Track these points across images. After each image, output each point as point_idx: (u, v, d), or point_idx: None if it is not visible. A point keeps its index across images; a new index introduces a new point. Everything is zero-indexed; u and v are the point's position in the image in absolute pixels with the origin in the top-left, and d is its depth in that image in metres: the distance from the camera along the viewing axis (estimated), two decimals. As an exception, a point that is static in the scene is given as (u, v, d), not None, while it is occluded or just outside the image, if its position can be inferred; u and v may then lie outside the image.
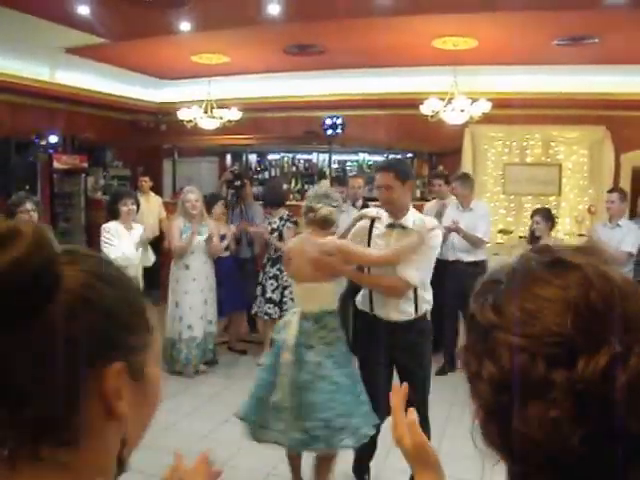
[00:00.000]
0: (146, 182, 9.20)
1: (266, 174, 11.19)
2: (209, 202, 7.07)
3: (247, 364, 6.95)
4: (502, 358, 0.79)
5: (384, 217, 3.90)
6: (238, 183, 7.84)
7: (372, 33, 7.80)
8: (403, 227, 3.83)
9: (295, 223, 6.91)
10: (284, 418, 3.71)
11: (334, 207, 3.85)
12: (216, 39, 8.30)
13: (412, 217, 3.87)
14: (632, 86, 8.93)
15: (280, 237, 6.85)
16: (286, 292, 6.80)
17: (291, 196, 10.58)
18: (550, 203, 9.75)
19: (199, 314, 6.53)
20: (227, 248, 7.05)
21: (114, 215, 5.80)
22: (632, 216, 7.74)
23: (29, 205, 5.08)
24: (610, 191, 6.59)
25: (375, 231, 3.92)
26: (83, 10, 6.88)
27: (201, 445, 4.83)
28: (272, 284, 6.88)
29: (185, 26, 7.56)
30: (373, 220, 3.95)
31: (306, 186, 10.89)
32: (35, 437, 0.75)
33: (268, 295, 6.87)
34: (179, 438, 4.95)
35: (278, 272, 6.84)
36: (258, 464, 4.56)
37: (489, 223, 6.75)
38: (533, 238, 6.41)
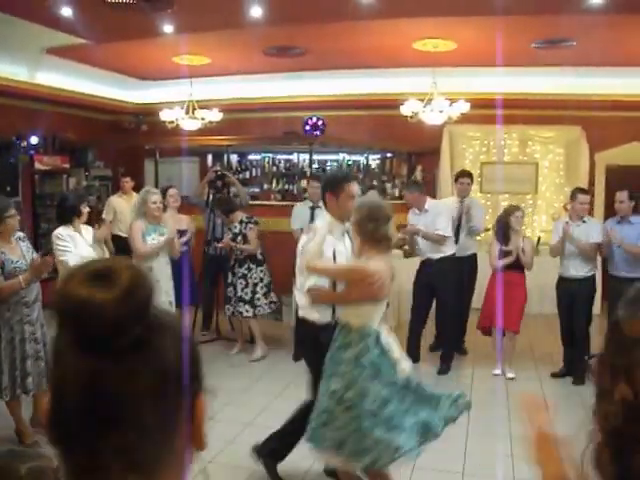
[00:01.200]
0: (128, 182, 9.23)
1: (247, 174, 11.25)
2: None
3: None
4: None
5: (334, 226, 4.06)
6: (220, 184, 7.91)
7: (353, 35, 7.90)
8: (348, 231, 4.09)
9: (256, 223, 7.20)
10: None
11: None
12: (197, 41, 8.33)
13: None
14: (607, 87, 9.15)
15: (244, 239, 7.07)
16: (257, 289, 7.08)
17: (272, 196, 10.68)
18: (527, 201, 9.97)
19: None
20: (187, 243, 6.89)
21: (66, 219, 5.47)
22: (607, 212, 7.96)
23: (13, 209, 4.90)
24: (584, 192, 6.76)
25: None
26: (66, 12, 6.90)
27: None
28: (241, 283, 7.12)
29: (167, 28, 7.60)
30: None
31: (287, 186, 10.98)
32: (125, 466, 0.77)
33: (239, 294, 7.10)
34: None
35: (246, 271, 7.11)
36: (243, 460, 4.65)
37: (448, 218, 6.89)
38: (506, 232, 6.58)
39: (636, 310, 0.71)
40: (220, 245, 7.31)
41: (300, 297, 4.06)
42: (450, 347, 6.95)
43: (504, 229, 6.63)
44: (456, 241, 7.21)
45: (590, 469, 0.73)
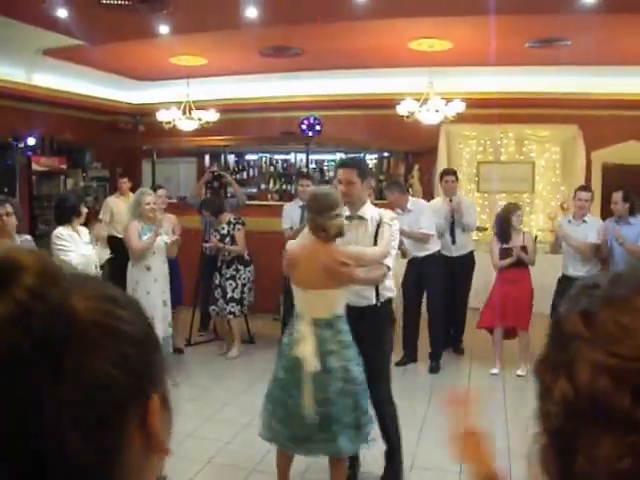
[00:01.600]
0: (125, 183, 9.23)
1: (244, 174, 11.27)
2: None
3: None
4: (580, 376, 0.65)
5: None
6: (217, 184, 7.94)
7: (349, 35, 7.92)
8: (360, 218, 4.14)
9: (243, 224, 7.30)
10: (310, 430, 3.72)
11: (341, 216, 3.82)
12: (194, 42, 8.35)
13: (369, 210, 4.18)
14: (602, 86, 9.16)
15: (232, 240, 7.18)
16: (245, 289, 7.26)
17: (269, 196, 10.70)
18: (523, 200, 9.98)
19: (159, 315, 6.34)
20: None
21: (65, 219, 5.47)
22: (604, 211, 7.97)
23: (9, 208, 4.89)
24: (583, 190, 6.79)
25: None
26: (62, 14, 6.91)
27: (186, 444, 4.92)
28: (231, 284, 7.22)
29: (163, 29, 7.62)
30: None
31: (284, 186, 11.00)
32: None
33: (229, 295, 7.19)
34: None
35: (235, 272, 7.23)
36: (240, 460, 4.67)
37: (431, 216, 6.91)
38: (507, 230, 6.61)
39: (574, 305, 0.70)
40: (209, 245, 7.30)
41: None
42: (439, 344, 7.02)
43: (505, 228, 6.65)
44: (453, 241, 7.25)
45: (538, 471, 0.71)
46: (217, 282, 7.27)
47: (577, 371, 0.65)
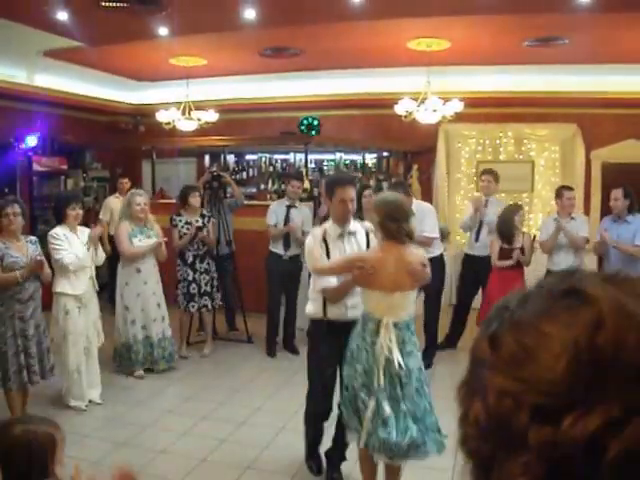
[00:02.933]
0: (125, 183, 9.27)
1: (244, 174, 11.30)
2: (184, 194, 7.35)
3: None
4: (489, 399, 0.66)
5: (331, 229, 4.22)
6: (215, 184, 7.96)
7: (347, 36, 7.94)
8: (352, 233, 4.25)
9: (213, 217, 7.48)
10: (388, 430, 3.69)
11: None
12: (194, 42, 8.39)
13: (354, 224, 4.32)
14: (600, 85, 9.16)
15: (207, 233, 7.28)
16: (214, 282, 7.34)
17: (269, 196, 10.72)
18: (523, 200, 9.97)
19: (152, 316, 6.49)
20: None
21: (60, 219, 5.60)
22: (603, 209, 7.99)
23: (16, 208, 4.99)
24: (568, 189, 6.88)
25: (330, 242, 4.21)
26: (62, 16, 6.95)
27: (182, 442, 4.95)
28: (204, 278, 7.28)
29: (163, 30, 7.65)
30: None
31: (283, 186, 11.02)
32: None
33: (203, 289, 7.26)
34: (160, 436, 5.08)
35: (207, 266, 7.30)
36: (235, 458, 4.70)
37: (434, 219, 6.86)
38: (509, 232, 6.62)
39: (486, 329, 0.71)
40: (194, 233, 7.21)
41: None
42: (432, 344, 7.06)
43: (507, 228, 6.65)
44: (476, 238, 7.23)
45: None
46: (190, 278, 7.23)
47: (486, 395, 0.66)
